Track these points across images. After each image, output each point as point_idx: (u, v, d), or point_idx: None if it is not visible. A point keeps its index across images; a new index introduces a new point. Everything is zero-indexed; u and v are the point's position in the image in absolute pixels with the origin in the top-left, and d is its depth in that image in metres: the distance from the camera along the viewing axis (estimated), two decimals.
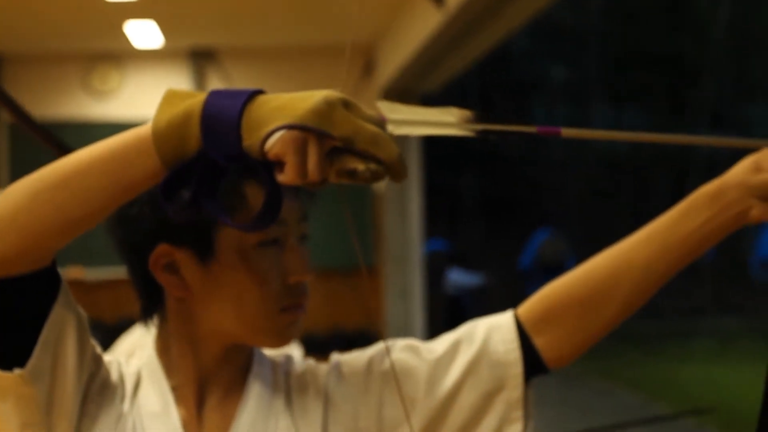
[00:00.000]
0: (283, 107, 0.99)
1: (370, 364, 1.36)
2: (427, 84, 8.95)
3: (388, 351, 1.35)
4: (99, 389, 1.27)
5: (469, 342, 1.33)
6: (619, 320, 1.33)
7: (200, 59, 9.32)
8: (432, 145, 18.18)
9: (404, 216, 9.09)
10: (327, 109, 0.98)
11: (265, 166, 1.00)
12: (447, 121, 1.10)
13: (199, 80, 9.26)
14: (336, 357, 1.39)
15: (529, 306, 1.35)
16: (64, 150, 1.39)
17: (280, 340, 1.31)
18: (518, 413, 1.31)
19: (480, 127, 1.09)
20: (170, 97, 1.04)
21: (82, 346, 1.21)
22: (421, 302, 9.30)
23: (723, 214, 1.26)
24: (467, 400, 1.30)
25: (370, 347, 1.39)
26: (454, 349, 1.33)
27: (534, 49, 25.76)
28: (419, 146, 9.20)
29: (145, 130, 1.04)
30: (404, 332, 9.09)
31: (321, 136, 0.98)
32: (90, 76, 9.19)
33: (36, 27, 8.22)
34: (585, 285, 1.31)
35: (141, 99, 8.88)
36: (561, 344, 1.32)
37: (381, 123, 1.03)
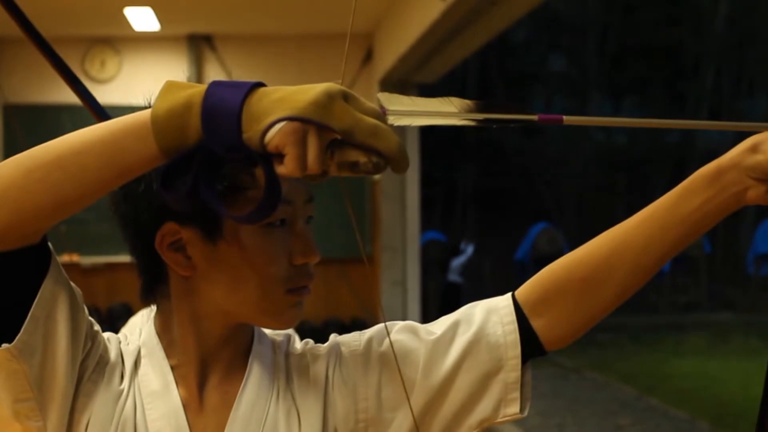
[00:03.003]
0: (283, 99, 0.99)
1: (369, 345, 1.35)
2: (426, 74, 8.95)
3: (388, 332, 1.34)
4: (96, 366, 1.26)
5: (467, 323, 1.33)
6: (618, 302, 1.32)
7: (198, 46, 9.31)
8: (429, 137, 18.17)
9: (402, 206, 9.10)
10: (327, 101, 0.99)
11: (265, 158, 1.01)
12: (448, 111, 1.09)
13: (197, 67, 9.25)
14: (335, 338, 1.39)
15: (527, 288, 1.35)
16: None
17: (285, 321, 1.30)
18: (515, 394, 1.31)
19: (481, 116, 1.08)
20: (170, 87, 1.04)
21: (74, 323, 1.20)
22: (417, 291, 9.32)
23: (721, 194, 1.25)
24: (465, 382, 1.30)
25: (368, 329, 1.39)
26: (452, 331, 1.33)
27: (533, 40, 25.75)
28: (417, 138, 9.20)
29: (144, 116, 1.05)
30: (401, 321, 9.10)
31: (321, 128, 0.98)
32: (88, 61, 9.18)
33: (34, 11, 8.20)
34: (583, 266, 1.30)
35: (138, 84, 8.87)
36: (559, 326, 1.31)
37: (381, 115, 1.03)
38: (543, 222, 16.63)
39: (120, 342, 1.33)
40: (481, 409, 1.31)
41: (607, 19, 24.68)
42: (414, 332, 1.35)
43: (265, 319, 1.30)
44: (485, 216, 23.37)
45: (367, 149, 1.00)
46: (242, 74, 9.03)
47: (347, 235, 9.28)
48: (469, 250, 14.93)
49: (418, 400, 1.30)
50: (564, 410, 9.23)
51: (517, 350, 1.30)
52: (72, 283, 1.22)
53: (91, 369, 1.26)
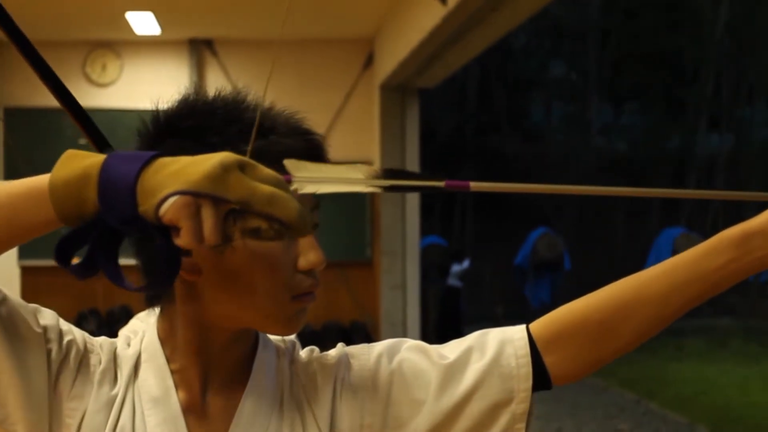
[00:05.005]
0: (177, 172, 1.00)
1: (378, 361, 1.34)
2: (427, 79, 8.98)
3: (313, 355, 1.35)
4: (78, 375, 1.26)
5: (480, 351, 1.33)
6: (630, 348, 1.34)
7: (199, 50, 9.34)
8: (429, 142, 18.17)
9: (402, 210, 9.12)
10: (221, 173, 0.99)
11: (162, 231, 1.01)
12: (354, 178, 1.10)
13: (198, 71, 9.28)
14: (343, 348, 1.38)
15: (542, 323, 1.35)
16: (99, 139, 1.38)
17: (289, 328, 1.28)
18: (521, 425, 1.32)
19: (387, 182, 1.09)
20: (69, 156, 1.05)
21: (14, 345, 1.21)
22: (417, 295, 9.33)
23: (745, 257, 1.28)
24: (476, 410, 1.30)
25: (377, 343, 1.39)
26: (465, 357, 1.32)
27: (533, 45, 25.79)
28: (417, 142, 9.23)
29: (43, 182, 1.05)
30: (400, 325, 9.12)
31: (215, 200, 0.99)
32: (89, 65, 9.20)
33: (36, 15, 8.24)
34: (601, 310, 1.32)
35: (140, 89, 8.91)
36: (570, 364, 1.33)
37: (281, 182, 1.03)
38: (542, 227, 16.63)
39: (116, 347, 1.33)
40: None
41: (607, 25, 24.73)
42: (425, 353, 1.34)
43: (269, 324, 1.28)
44: (485, 220, 23.40)
45: (267, 217, 1.00)
46: (243, 79, 9.05)
47: (347, 239, 9.31)
48: (466, 263, 14.98)
49: (425, 422, 1.31)
50: (564, 414, 9.25)
51: (529, 383, 1.31)
52: (18, 302, 1.23)
53: (72, 377, 1.26)
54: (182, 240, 0.98)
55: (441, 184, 1.09)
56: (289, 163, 1.09)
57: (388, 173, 1.09)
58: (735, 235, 1.29)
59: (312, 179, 1.09)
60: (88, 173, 1.01)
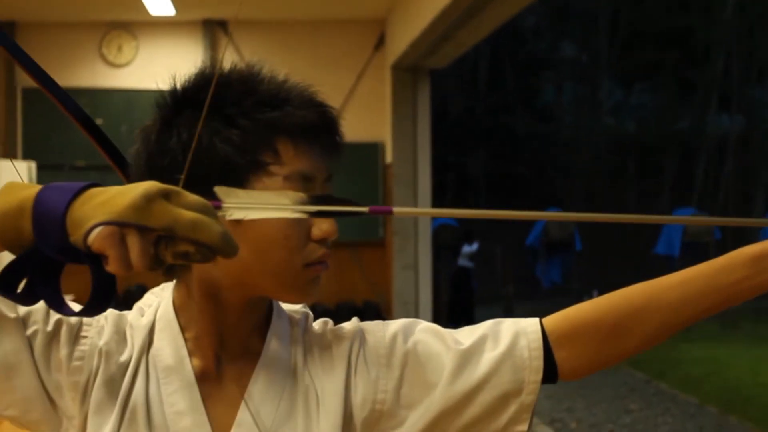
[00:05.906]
0: (104, 203, 1.03)
1: (394, 339, 1.36)
2: (438, 59, 8.98)
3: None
4: (73, 349, 1.30)
5: (494, 340, 1.36)
6: (639, 351, 1.38)
7: (213, 31, 9.37)
8: (441, 122, 18.16)
9: (414, 191, 9.15)
10: (144, 203, 1.01)
11: (93, 259, 1.04)
12: (282, 204, 1.13)
13: (212, 52, 9.31)
14: (357, 323, 1.40)
15: (556, 319, 1.37)
16: (80, 116, 1.40)
17: (303, 296, 1.32)
18: (527, 415, 1.35)
19: (314, 208, 1.12)
20: (8, 188, 1.07)
21: None
22: (429, 275, 9.36)
23: (759, 276, 1.31)
24: (487, 398, 1.34)
25: (392, 321, 1.41)
26: (480, 345, 1.35)
27: (544, 26, 25.73)
28: (429, 123, 9.25)
29: None
30: (412, 304, 9.17)
31: (140, 228, 1.02)
32: (105, 46, 9.25)
33: None
34: (615, 313, 1.35)
35: (155, 69, 8.94)
36: (578, 362, 1.36)
37: (207, 207, 1.05)
38: (554, 207, 16.66)
39: (128, 317, 1.36)
40: (494, 426, 1.35)
41: (617, 5, 24.65)
42: (440, 337, 1.37)
43: (283, 292, 1.32)
44: (497, 201, 23.41)
45: (192, 242, 1.03)
46: (255, 57, 9.07)
47: (360, 219, 9.36)
48: (475, 246, 15.06)
49: (435, 405, 1.33)
50: (574, 394, 9.30)
51: (539, 376, 1.34)
52: None
53: (67, 352, 1.29)
54: (111, 267, 1.02)
55: (365, 209, 1.12)
56: (219, 190, 1.12)
57: (314, 200, 1.13)
58: (753, 253, 1.32)
59: (241, 205, 1.12)
60: (23, 205, 1.04)
